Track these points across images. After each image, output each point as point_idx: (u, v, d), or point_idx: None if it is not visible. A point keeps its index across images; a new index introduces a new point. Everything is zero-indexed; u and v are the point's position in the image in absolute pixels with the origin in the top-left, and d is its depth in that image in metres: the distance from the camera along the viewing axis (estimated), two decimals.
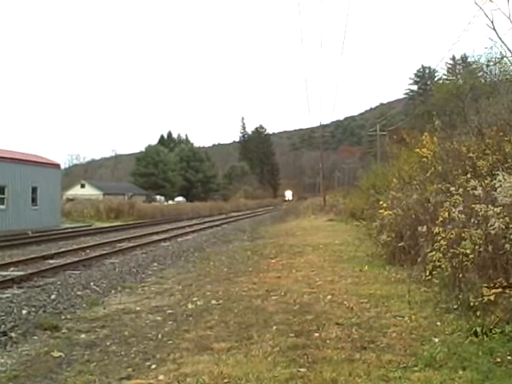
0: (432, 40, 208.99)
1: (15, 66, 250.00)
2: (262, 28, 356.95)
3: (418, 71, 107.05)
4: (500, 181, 7.90)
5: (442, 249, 8.62)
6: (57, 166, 41.94)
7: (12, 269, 15.34)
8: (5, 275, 13.87)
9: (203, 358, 6.35)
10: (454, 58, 55.41)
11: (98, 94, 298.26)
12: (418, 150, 14.70)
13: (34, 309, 9.95)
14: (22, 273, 14.03)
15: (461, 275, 8.01)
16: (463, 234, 8.03)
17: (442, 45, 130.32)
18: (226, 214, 65.46)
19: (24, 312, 9.64)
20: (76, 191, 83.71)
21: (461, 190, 9.34)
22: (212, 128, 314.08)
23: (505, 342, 6.20)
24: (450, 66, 56.70)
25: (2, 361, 6.89)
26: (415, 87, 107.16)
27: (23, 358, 7.01)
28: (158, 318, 8.88)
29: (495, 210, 7.53)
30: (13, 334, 8.15)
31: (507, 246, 7.27)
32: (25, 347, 7.54)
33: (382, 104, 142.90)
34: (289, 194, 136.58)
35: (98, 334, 8.04)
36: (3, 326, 8.55)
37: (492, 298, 6.85)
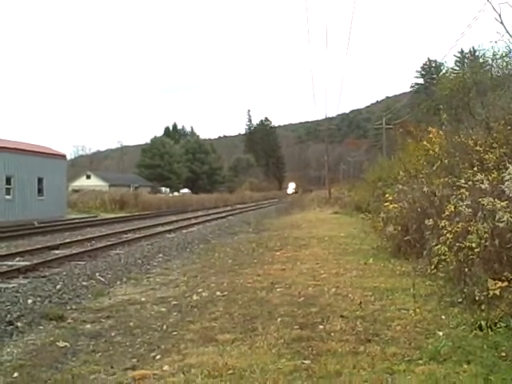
0: (438, 33, 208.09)
1: (21, 57, 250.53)
2: (269, 20, 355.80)
3: (424, 64, 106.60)
4: (510, 173, 7.85)
5: (447, 242, 8.59)
6: (63, 156, 42.06)
7: (18, 259, 15.40)
8: (11, 265, 13.95)
9: (208, 350, 6.36)
10: (462, 52, 55.09)
11: (104, 86, 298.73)
12: (424, 143, 14.65)
13: (39, 299, 10.00)
14: (27, 263, 14.09)
15: (466, 269, 7.98)
16: (469, 228, 8.00)
17: (449, 38, 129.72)
18: (231, 206, 65.47)
19: (30, 302, 9.68)
20: (82, 182, 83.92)
21: (468, 183, 9.29)
22: (218, 120, 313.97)
23: (509, 336, 6.18)
24: (458, 58, 56.37)
25: (8, 350, 6.94)
26: (421, 80, 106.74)
27: (29, 347, 7.06)
28: (163, 309, 8.91)
29: (502, 203, 7.50)
30: (19, 324, 8.21)
31: None
32: (30, 337, 7.59)
33: (387, 97, 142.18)
34: (292, 186, 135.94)
35: (103, 325, 8.08)
36: (9, 316, 8.61)
37: (497, 291, 6.82)
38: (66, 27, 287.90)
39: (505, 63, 16.70)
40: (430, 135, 14.55)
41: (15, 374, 5.93)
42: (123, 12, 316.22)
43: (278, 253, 15.81)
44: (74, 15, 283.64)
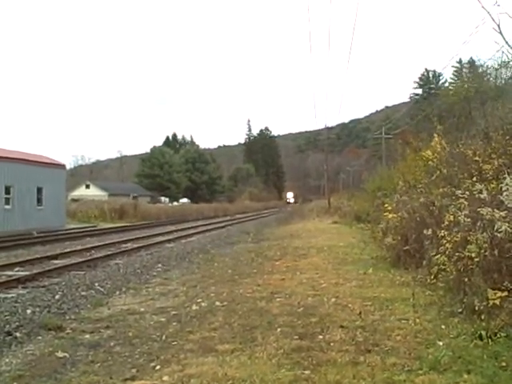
0: (437, 43, 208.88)
1: (20, 67, 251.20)
2: (269, 31, 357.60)
3: (422, 75, 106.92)
4: (507, 184, 7.87)
5: (447, 252, 8.59)
6: (62, 166, 42.08)
7: (17, 269, 15.39)
8: (10, 275, 13.93)
9: (207, 360, 6.34)
10: (460, 62, 55.34)
11: (103, 95, 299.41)
12: (424, 152, 14.68)
13: (38, 309, 9.99)
14: (27, 273, 14.08)
15: (466, 279, 7.97)
16: (468, 238, 8.01)
17: (448, 48, 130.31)
18: (230, 215, 65.46)
19: (29, 312, 9.67)
20: (81, 192, 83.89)
21: (466, 193, 9.30)
22: (217, 130, 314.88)
23: (510, 345, 6.17)
24: (456, 69, 56.62)
25: (7, 360, 6.92)
26: (420, 91, 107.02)
27: (28, 357, 7.03)
28: (163, 319, 8.89)
29: (501, 213, 7.51)
30: (17, 334, 8.19)
31: None
32: (29, 347, 7.57)
33: (387, 107, 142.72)
34: (290, 196, 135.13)
35: (102, 335, 8.06)
36: (8, 326, 8.59)
37: (497, 301, 6.82)
38: (65, 36, 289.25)
39: (503, 73, 16.78)
40: (432, 143, 14.58)
41: None
42: (123, 22, 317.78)
43: (277, 263, 15.79)
44: (74, 25, 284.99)
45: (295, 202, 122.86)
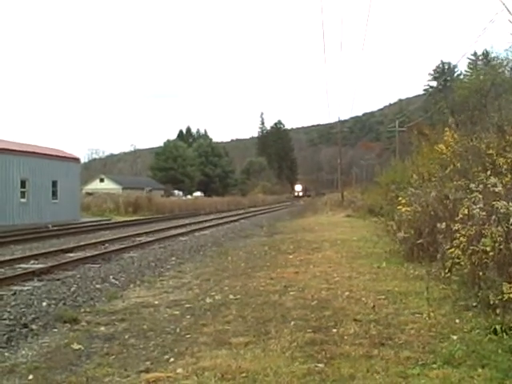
0: (452, 35, 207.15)
1: (35, 62, 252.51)
2: (282, 23, 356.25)
3: (438, 67, 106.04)
4: None
5: (461, 246, 8.55)
6: (76, 160, 42.32)
7: (32, 262, 15.50)
8: (25, 268, 14.04)
9: (221, 353, 6.37)
10: (475, 54, 54.93)
11: (118, 89, 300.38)
12: (437, 146, 14.60)
13: (54, 301, 10.06)
14: (42, 266, 14.17)
15: (480, 272, 7.94)
16: (483, 231, 7.96)
17: (462, 40, 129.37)
18: (243, 209, 65.47)
19: (44, 304, 9.75)
20: (95, 185, 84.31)
21: (481, 186, 9.24)
22: (231, 123, 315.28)
23: None
24: (471, 61, 56.20)
25: (23, 352, 6.99)
26: (434, 83, 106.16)
27: (44, 349, 7.10)
28: (176, 312, 8.93)
29: None
30: (33, 326, 8.26)
31: None
32: (45, 339, 7.64)
33: (400, 100, 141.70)
34: (298, 189, 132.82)
35: (117, 327, 8.11)
36: (24, 318, 8.67)
37: None
38: (81, 30, 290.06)
39: None
40: (445, 138, 14.48)
41: (30, 377, 5.97)
42: (137, 15, 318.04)
43: (290, 256, 15.79)
44: (89, 20, 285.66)
45: (307, 196, 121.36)
